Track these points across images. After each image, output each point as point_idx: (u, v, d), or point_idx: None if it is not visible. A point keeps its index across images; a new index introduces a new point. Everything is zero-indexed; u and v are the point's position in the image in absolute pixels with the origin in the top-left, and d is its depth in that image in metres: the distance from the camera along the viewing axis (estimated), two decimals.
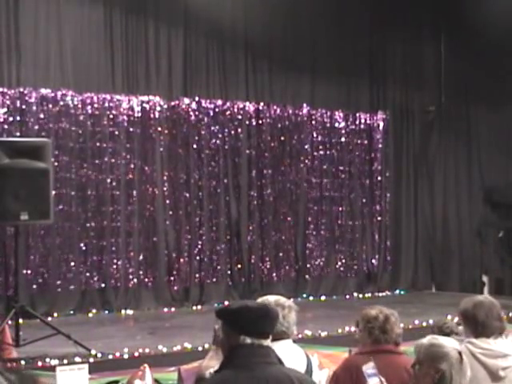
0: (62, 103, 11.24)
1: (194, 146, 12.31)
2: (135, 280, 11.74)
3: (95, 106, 11.50)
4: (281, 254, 13.00)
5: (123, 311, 11.51)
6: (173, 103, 12.12)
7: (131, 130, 11.79)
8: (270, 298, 4.37)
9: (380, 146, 14.03)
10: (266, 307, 3.50)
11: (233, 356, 3.36)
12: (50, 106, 11.15)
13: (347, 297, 13.34)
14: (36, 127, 11.02)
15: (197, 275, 12.24)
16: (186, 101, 12.23)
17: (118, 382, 6.87)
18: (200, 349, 8.02)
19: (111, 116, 11.62)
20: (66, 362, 7.61)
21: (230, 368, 3.33)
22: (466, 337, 4.80)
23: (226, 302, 10.85)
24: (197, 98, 12.32)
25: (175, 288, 12.06)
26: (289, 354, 4.31)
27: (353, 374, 4.60)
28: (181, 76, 12.28)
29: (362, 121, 13.84)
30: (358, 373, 4.60)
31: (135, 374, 5.91)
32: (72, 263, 11.29)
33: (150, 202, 11.93)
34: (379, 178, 14.01)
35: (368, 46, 13.78)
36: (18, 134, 10.81)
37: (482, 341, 4.71)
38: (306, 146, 13.29)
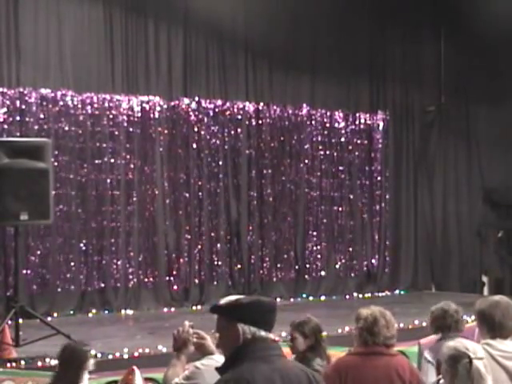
0: (61, 103, 11.24)
1: (194, 146, 12.31)
2: (135, 280, 11.74)
3: (95, 106, 11.51)
4: (281, 254, 13.01)
5: (123, 311, 11.52)
6: (173, 103, 12.13)
7: (131, 130, 11.79)
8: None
9: (380, 146, 14.03)
10: (274, 301, 3.53)
11: (249, 349, 3.35)
12: (50, 106, 11.15)
13: (347, 297, 13.33)
14: (36, 127, 11.02)
15: (196, 275, 12.25)
16: (186, 101, 12.23)
17: (118, 382, 6.86)
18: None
19: (111, 116, 11.62)
20: None
21: (251, 361, 3.33)
22: (481, 338, 4.75)
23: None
24: (197, 98, 12.32)
25: (175, 288, 12.06)
26: None
27: (341, 374, 4.57)
28: (181, 76, 12.28)
29: (362, 121, 13.84)
30: (346, 374, 4.58)
31: (126, 378, 5.90)
32: (72, 263, 11.29)
33: (150, 202, 11.93)
34: (379, 178, 14.01)
35: (368, 46, 13.77)
36: (18, 134, 10.81)
37: (499, 342, 4.63)
38: (306, 146, 13.29)
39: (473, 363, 3.70)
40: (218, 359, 4.12)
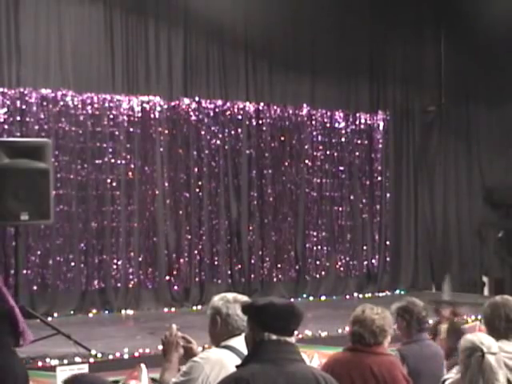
0: (62, 103, 11.24)
1: (194, 146, 12.31)
2: (135, 280, 11.74)
3: (95, 106, 11.51)
4: (281, 254, 13.00)
5: (123, 311, 11.51)
6: (173, 103, 12.12)
7: (131, 130, 11.79)
8: (228, 295, 4.36)
9: (380, 146, 14.04)
10: (292, 305, 3.53)
11: (259, 351, 3.40)
12: (50, 106, 11.15)
13: (347, 297, 13.33)
14: (36, 127, 11.02)
15: (197, 275, 12.25)
16: (186, 101, 12.23)
17: (118, 382, 6.87)
18: (200, 349, 8.00)
19: (111, 116, 11.62)
20: (66, 362, 7.63)
21: (258, 362, 3.37)
22: None
23: None
24: (197, 98, 12.32)
25: (175, 288, 12.06)
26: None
27: (328, 370, 4.58)
28: (181, 76, 12.28)
29: (362, 121, 13.84)
30: (332, 369, 4.58)
31: (131, 375, 5.91)
32: (72, 263, 11.29)
33: (151, 202, 11.93)
34: (379, 178, 14.01)
35: (368, 46, 13.78)
36: (18, 134, 10.81)
37: (505, 343, 4.63)
38: (306, 146, 13.29)
39: (485, 357, 3.73)
40: (217, 352, 4.16)
